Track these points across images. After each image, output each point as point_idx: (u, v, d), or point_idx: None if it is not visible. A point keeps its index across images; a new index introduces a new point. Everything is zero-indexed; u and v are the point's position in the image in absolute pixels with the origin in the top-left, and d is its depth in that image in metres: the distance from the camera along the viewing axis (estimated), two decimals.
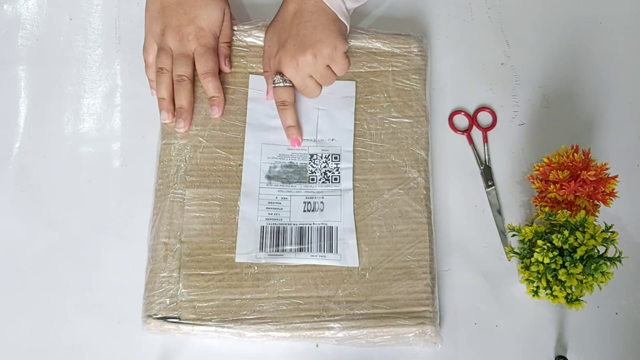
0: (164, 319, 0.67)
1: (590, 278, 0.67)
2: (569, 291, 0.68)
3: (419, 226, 0.71)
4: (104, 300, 0.73)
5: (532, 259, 0.68)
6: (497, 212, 0.77)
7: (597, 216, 0.72)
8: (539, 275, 0.68)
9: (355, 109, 0.75)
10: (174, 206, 0.70)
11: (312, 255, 0.69)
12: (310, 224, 0.71)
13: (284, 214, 0.71)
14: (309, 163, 0.73)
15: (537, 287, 0.69)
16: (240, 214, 0.70)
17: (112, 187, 0.76)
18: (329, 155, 0.73)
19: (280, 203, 0.71)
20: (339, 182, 0.72)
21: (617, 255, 0.68)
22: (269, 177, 0.72)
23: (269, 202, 0.71)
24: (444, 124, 0.79)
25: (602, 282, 0.67)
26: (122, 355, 0.72)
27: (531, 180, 0.74)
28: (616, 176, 0.72)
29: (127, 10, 0.79)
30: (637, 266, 0.75)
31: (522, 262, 0.70)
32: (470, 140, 0.79)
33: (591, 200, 0.72)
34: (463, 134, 0.79)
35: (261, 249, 0.69)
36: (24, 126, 0.77)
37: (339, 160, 0.73)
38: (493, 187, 0.77)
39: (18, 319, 0.73)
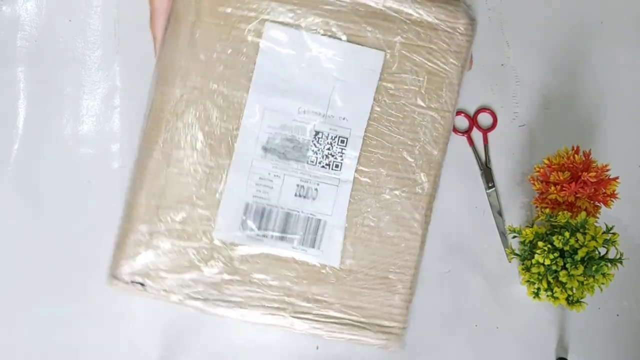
0: (130, 282, 0.62)
1: (591, 279, 0.67)
2: (570, 293, 0.68)
3: (412, 237, 0.65)
4: (104, 302, 0.73)
5: (533, 261, 0.67)
6: (498, 213, 0.77)
7: (598, 217, 0.72)
8: (540, 277, 0.68)
9: (377, 86, 0.65)
10: (158, 165, 0.63)
11: (293, 247, 0.64)
12: (298, 212, 0.64)
13: (273, 195, 0.64)
14: (312, 141, 0.64)
15: (538, 288, 0.68)
16: (227, 185, 0.63)
17: (111, 189, 0.75)
18: (336, 137, 0.65)
19: (272, 181, 0.64)
20: (340, 171, 0.65)
21: (618, 256, 0.68)
22: (265, 149, 0.64)
23: (260, 178, 0.64)
24: None
25: (603, 283, 0.67)
26: (121, 357, 0.72)
27: (532, 181, 0.74)
28: (617, 177, 0.71)
29: (127, 11, 0.79)
30: (638, 267, 0.75)
31: (523, 264, 0.70)
32: (471, 142, 0.79)
33: (592, 202, 0.72)
34: (463, 135, 0.79)
35: (242, 228, 0.64)
36: (23, 127, 0.77)
37: (346, 145, 0.65)
38: (493, 188, 0.77)
39: (17, 320, 0.73)
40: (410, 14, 0.65)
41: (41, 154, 0.76)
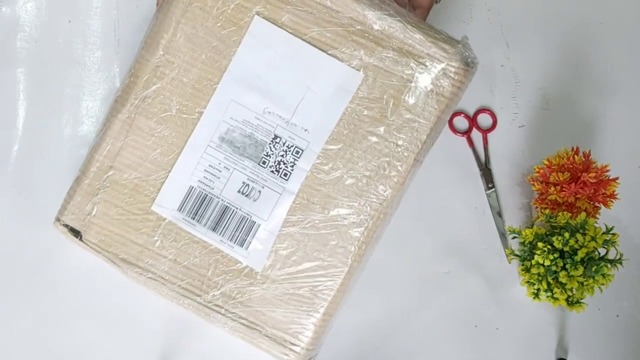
0: (68, 228, 0.66)
1: (591, 280, 0.66)
2: (570, 293, 0.68)
3: (341, 265, 0.64)
4: (103, 304, 0.73)
5: (533, 261, 0.67)
6: (498, 214, 0.77)
7: (597, 218, 0.72)
8: (540, 278, 0.68)
9: (346, 108, 0.63)
10: (121, 127, 0.65)
11: (221, 240, 0.65)
12: (237, 209, 0.64)
13: (217, 185, 0.64)
14: (269, 144, 0.64)
15: (538, 289, 0.68)
16: (177, 164, 0.64)
17: None
18: (292, 146, 0.63)
19: (220, 171, 0.64)
20: (287, 181, 0.64)
21: (617, 257, 0.68)
22: (222, 139, 0.64)
23: (210, 165, 0.64)
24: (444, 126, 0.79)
25: (602, 284, 0.67)
26: (121, 357, 0.72)
27: (531, 182, 0.74)
28: (617, 178, 0.71)
29: (126, 12, 0.79)
30: (638, 268, 0.75)
31: (523, 265, 0.70)
32: (470, 142, 0.79)
33: (592, 202, 0.72)
34: (463, 135, 0.79)
35: (180, 209, 0.65)
36: (23, 128, 0.77)
37: (299, 157, 0.63)
38: (493, 189, 0.77)
39: (17, 321, 0.73)
40: (404, 40, 0.61)
41: (41, 154, 0.76)
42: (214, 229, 0.65)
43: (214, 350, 0.73)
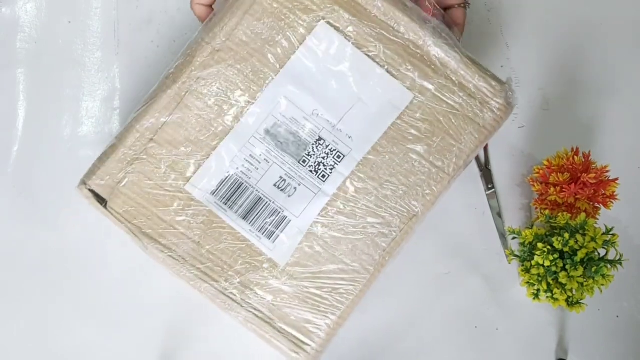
0: (94, 194, 0.64)
1: (591, 281, 0.66)
2: (570, 294, 0.68)
3: (363, 272, 0.65)
4: (103, 305, 0.73)
5: (533, 262, 0.67)
6: (497, 214, 0.77)
7: (597, 219, 0.72)
8: (540, 278, 0.68)
9: (392, 123, 0.65)
10: (169, 103, 0.65)
11: (250, 230, 0.65)
12: (269, 201, 0.65)
13: (255, 176, 0.65)
14: (312, 144, 0.65)
15: (538, 290, 0.68)
16: (219, 149, 0.65)
17: None
18: (335, 150, 0.65)
19: (260, 163, 0.65)
20: (324, 182, 0.65)
21: (617, 257, 0.68)
22: (267, 132, 0.65)
23: (251, 155, 0.65)
24: None
25: (602, 284, 0.67)
26: (121, 357, 0.72)
27: (531, 182, 0.74)
28: (617, 179, 0.71)
29: (126, 13, 0.79)
30: (638, 269, 0.75)
31: (523, 265, 0.70)
32: None
33: (591, 203, 0.72)
34: None
35: (214, 193, 0.65)
36: (23, 129, 0.77)
37: (340, 162, 0.65)
38: (493, 189, 0.77)
39: (17, 321, 0.73)
40: (455, 71, 0.65)
41: (41, 155, 0.76)
42: (244, 218, 0.65)
43: (214, 351, 0.73)
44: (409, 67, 0.65)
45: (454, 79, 0.65)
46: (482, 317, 0.74)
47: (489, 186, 0.77)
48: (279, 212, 0.65)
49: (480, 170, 0.78)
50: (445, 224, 0.76)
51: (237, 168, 0.65)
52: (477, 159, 0.78)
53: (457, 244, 0.76)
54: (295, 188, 0.65)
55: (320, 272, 0.65)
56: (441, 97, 0.65)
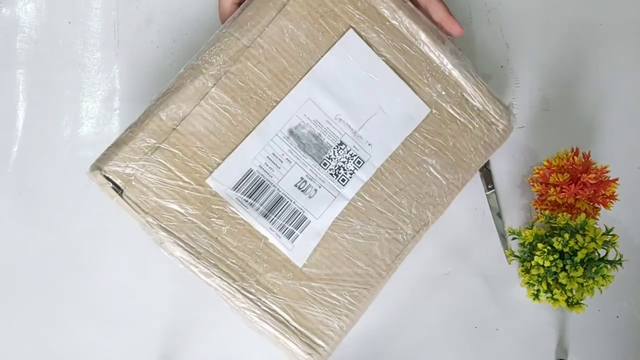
0: (109, 180, 0.62)
1: (590, 281, 0.66)
2: (570, 294, 0.68)
3: (376, 276, 0.67)
4: (103, 305, 0.73)
5: (533, 262, 0.67)
6: (497, 215, 0.77)
7: (597, 219, 0.72)
8: (540, 279, 0.68)
9: (410, 135, 0.68)
10: (194, 94, 0.64)
11: (270, 228, 0.65)
12: (290, 201, 0.65)
13: (277, 174, 0.65)
14: (334, 148, 0.67)
15: (538, 290, 0.68)
16: (242, 145, 0.65)
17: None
18: (355, 155, 0.67)
19: (282, 162, 0.65)
20: (344, 186, 0.67)
21: (617, 258, 0.68)
22: (290, 132, 0.66)
23: (273, 154, 0.65)
24: None
25: (602, 285, 0.67)
26: (121, 357, 0.72)
27: (531, 183, 0.74)
28: (616, 179, 0.71)
29: (126, 13, 0.79)
30: (638, 269, 0.75)
31: (523, 266, 0.70)
32: None
33: (591, 203, 0.72)
34: None
35: (235, 188, 0.64)
36: (23, 130, 0.77)
37: (360, 167, 0.67)
38: (493, 190, 0.77)
39: (17, 320, 0.73)
40: (467, 91, 0.69)
41: (41, 156, 0.76)
42: (265, 216, 0.65)
43: (214, 352, 0.73)
44: (428, 83, 0.69)
45: (467, 99, 0.69)
46: (482, 317, 0.74)
47: (489, 186, 0.77)
48: (300, 213, 0.66)
49: (480, 171, 0.78)
50: (445, 224, 0.76)
51: (259, 165, 0.65)
52: None
53: (457, 244, 0.76)
54: (315, 190, 0.66)
55: (336, 274, 0.66)
56: (455, 114, 0.69)
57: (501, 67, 0.80)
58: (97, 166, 0.62)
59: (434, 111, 0.68)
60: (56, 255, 0.74)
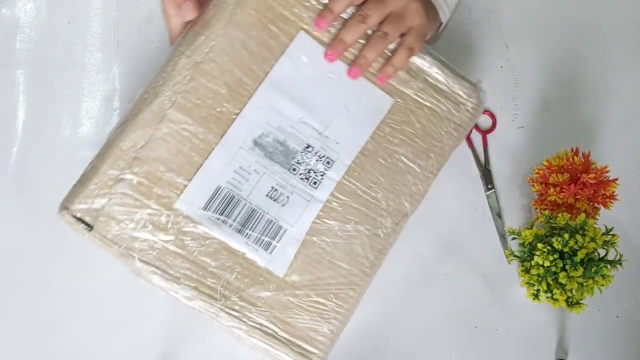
0: (78, 219, 0.60)
1: (590, 281, 0.66)
2: (570, 294, 0.68)
3: (360, 274, 0.65)
4: (103, 305, 0.73)
5: (533, 262, 0.67)
6: (497, 215, 0.77)
7: (597, 219, 0.72)
8: (540, 279, 0.68)
9: (377, 126, 0.67)
10: (152, 119, 0.62)
11: (246, 243, 0.63)
12: (263, 212, 0.64)
13: (246, 187, 0.64)
14: (301, 152, 0.65)
15: (538, 290, 0.68)
16: (207, 162, 0.63)
17: None
18: (323, 156, 0.65)
19: (250, 174, 0.64)
20: (316, 189, 0.65)
21: (617, 258, 0.68)
22: (255, 143, 0.64)
23: (240, 167, 0.64)
24: None
25: (602, 285, 0.67)
26: (121, 357, 0.72)
27: (531, 183, 0.74)
28: (616, 179, 0.71)
29: (126, 14, 0.79)
30: (637, 269, 0.75)
31: (523, 265, 0.70)
32: (470, 143, 0.79)
33: (591, 203, 0.72)
34: None
35: (205, 208, 0.63)
36: (22, 130, 0.77)
37: (330, 167, 0.65)
38: (493, 190, 0.77)
39: (17, 321, 0.73)
40: (429, 74, 0.67)
41: (41, 156, 0.76)
42: (239, 231, 0.63)
43: (214, 352, 0.73)
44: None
45: (431, 82, 0.68)
46: (482, 317, 0.74)
47: (489, 186, 0.77)
48: (274, 223, 0.64)
49: (480, 171, 0.78)
50: (444, 225, 0.76)
51: (227, 181, 0.64)
52: (477, 159, 0.78)
53: (456, 244, 0.76)
54: (287, 197, 0.65)
55: (320, 279, 0.65)
56: (420, 100, 0.67)
57: (501, 67, 0.80)
58: (65, 206, 0.61)
59: (398, 100, 0.67)
60: (56, 255, 0.74)
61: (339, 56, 0.65)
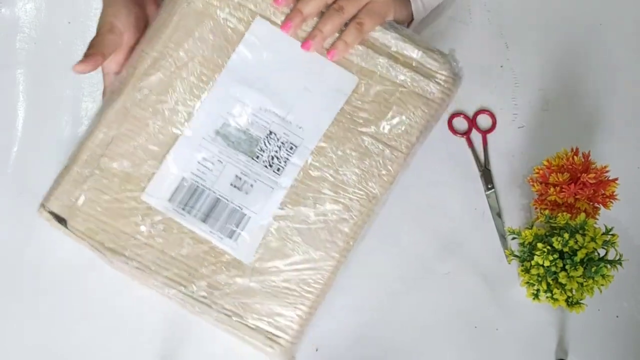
0: (54, 215, 0.65)
1: (590, 281, 0.66)
2: (570, 294, 0.68)
3: (329, 259, 0.65)
4: (103, 305, 0.73)
5: (533, 262, 0.67)
6: (497, 215, 0.77)
7: (597, 219, 0.72)
8: (540, 278, 0.68)
9: (341, 109, 0.65)
10: (116, 117, 0.65)
11: (211, 232, 0.65)
12: (227, 201, 0.65)
13: (210, 177, 0.65)
14: (264, 139, 0.65)
15: (538, 290, 0.68)
16: (171, 155, 0.65)
17: None
18: (287, 142, 0.65)
19: (213, 164, 0.65)
20: (279, 175, 0.65)
21: (617, 258, 0.68)
22: (217, 133, 0.65)
23: (203, 158, 0.65)
24: (443, 127, 0.79)
25: (602, 285, 0.67)
26: (121, 357, 0.72)
27: (531, 183, 0.74)
28: (616, 179, 0.71)
29: None
30: (637, 269, 0.75)
31: (523, 265, 0.70)
32: (470, 143, 0.79)
33: (591, 203, 0.72)
34: (462, 136, 0.79)
35: (170, 199, 0.65)
36: (22, 129, 0.77)
37: (293, 153, 0.65)
38: (493, 190, 0.77)
39: (17, 321, 0.73)
40: (395, 50, 0.65)
41: (41, 155, 0.76)
42: (204, 221, 0.65)
43: (214, 352, 0.73)
44: (350, 52, 0.65)
45: (396, 56, 0.65)
46: (482, 317, 0.74)
47: (489, 186, 0.77)
48: (238, 211, 0.65)
49: (480, 171, 0.78)
50: (445, 224, 0.76)
51: (192, 172, 0.65)
52: (477, 159, 0.78)
53: (456, 244, 0.76)
54: (251, 185, 0.65)
55: (286, 265, 0.65)
56: (386, 76, 0.65)
57: (501, 67, 0.80)
58: (42, 204, 0.65)
59: (362, 79, 0.65)
60: (56, 254, 0.74)
61: (296, 27, 0.64)
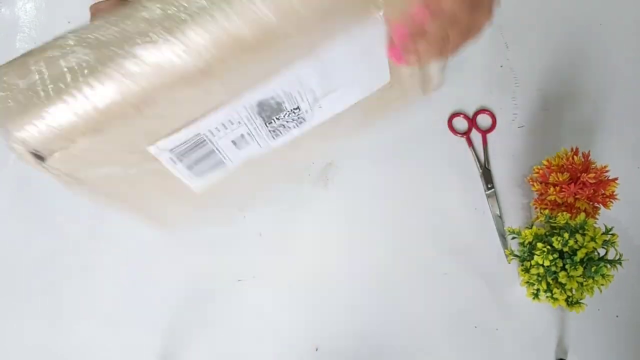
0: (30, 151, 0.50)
1: (590, 281, 0.66)
2: (570, 294, 0.68)
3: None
4: (103, 305, 0.73)
5: (532, 262, 0.67)
6: (497, 215, 0.77)
7: (597, 219, 0.72)
8: (539, 278, 0.68)
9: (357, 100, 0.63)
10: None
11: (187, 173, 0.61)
12: (220, 154, 0.61)
13: (220, 134, 0.60)
14: (288, 112, 0.62)
15: (538, 289, 0.68)
16: (205, 118, 0.57)
17: None
18: (301, 117, 0.63)
19: (232, 124, 0.59)
20: (274, 139, 0.63)
21: (617, 257, 0.68)
22: (259, 103, 0.59)
23: (229, 120, 0.59)
24: (443, 127, 0.79)
25: (602, 284, 0.67)
26: (121, 356, 0.72)
27: (531, 182, 0.74)
28: (616, 178, 0.71)
29: None
30: (637, 268, 0.75)
31: (522, 265, 0.70)
32: (470, 143, 0.79)
33: (591, 203, 0.72)
34: (462, 136, 0.79)
35: (172, 150, 0.58)
36: None
37: (298, 126, 0.63)
38: (493, 189, 0.77)
39: (17, 321, 0.73)
40: None
41: None
42: (189, 168, 0.61)
43: (214, 352, 0.73)
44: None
45: None
46: (482, 316, 0.74)
47: (489, 186, 0.77)
48: (221, 160, 0.62)
49: (480, 170, 0.78)
50: (445, 224, 0.76)
51: (209, 130, 0.59)
52: (477, 159, 0.78)
53: (456, 244, 0.76)
54: (247, 142, 0.62)
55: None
56: None
57: (501, 66, 0.80)
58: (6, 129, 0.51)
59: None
60: (56, 255, 0.74)
61: (404, 63, 0.58)
